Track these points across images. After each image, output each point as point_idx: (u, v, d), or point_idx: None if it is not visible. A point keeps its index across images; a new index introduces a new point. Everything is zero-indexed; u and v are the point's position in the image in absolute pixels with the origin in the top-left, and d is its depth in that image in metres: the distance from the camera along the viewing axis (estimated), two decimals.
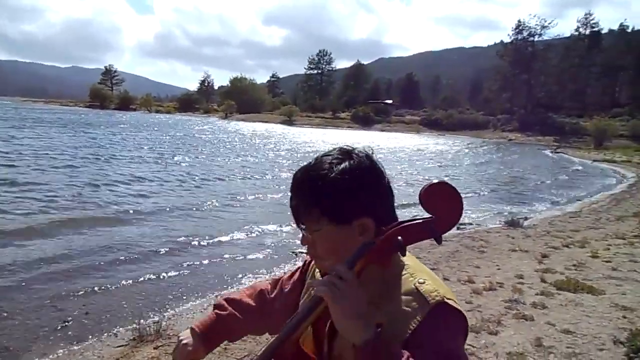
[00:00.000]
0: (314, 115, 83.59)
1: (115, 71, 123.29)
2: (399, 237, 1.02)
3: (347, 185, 1.05)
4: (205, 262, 6.15)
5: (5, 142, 18.44)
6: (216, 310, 1.35)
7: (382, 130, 69.34)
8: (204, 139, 30.38)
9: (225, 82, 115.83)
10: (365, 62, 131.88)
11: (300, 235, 1.16)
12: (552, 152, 41.53)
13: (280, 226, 8.38)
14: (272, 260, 6.43)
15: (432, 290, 1.03)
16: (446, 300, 1.03)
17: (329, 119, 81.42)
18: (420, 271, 1.12)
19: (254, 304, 1.38)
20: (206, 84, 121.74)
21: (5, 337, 3.83)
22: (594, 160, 31.67)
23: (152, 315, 4.32)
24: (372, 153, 1.16)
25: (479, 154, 35.24)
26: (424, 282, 1.06)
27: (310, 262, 1.38)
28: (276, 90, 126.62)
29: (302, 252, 6.76)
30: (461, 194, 1.04)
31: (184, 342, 1.29)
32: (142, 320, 4.01)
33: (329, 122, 78.31)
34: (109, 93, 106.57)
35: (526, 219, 9.65)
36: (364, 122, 76.42)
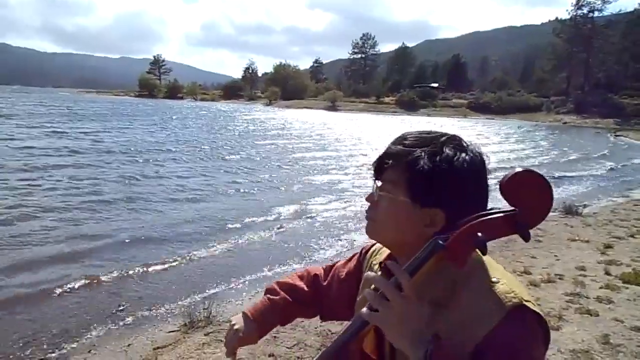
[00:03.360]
0: (358, 101, 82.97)
1: (163, 61, 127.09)
2: (479, 233, 0.89)
3: (446, 171, 0.96)
4: (253, 246, 6.20)
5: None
6: (268, 295, 1.32)
7: (428, 115, 67.88)
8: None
9: (269, 69, 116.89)
10: (410, 45, 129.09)
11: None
12: (612, 135, 39.20)
13: (329, 209, 8.34)
14: (319, 244, 6.38)
15: (508, 292, 0.91)
16: (524, 302, 0.90)
17: (373, 103, 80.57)
18: (493, 268, 0.99)
19: (307, 289, 1.33)
20: (250, 71, 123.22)
21: (64, 320, 3.98)
22: None
23: (202, 301, 4.37)
24: (485, 155, 1.04)
25: (530, 137, 33.77)
26: (498, 282, 0.94)
27: (367, 251, 1.30)
28: (319, 76, 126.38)
29: (347, 239, 6.69)
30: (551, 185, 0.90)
31: (236, 327, 1.26)
32: (192, 307, 4.07)
33: (372, 107, 77.50)
34: (157, 82, 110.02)
35: (585, 206, 9.12)
36: (409, 107, 75.06)
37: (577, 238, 6.50)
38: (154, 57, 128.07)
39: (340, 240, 6.72)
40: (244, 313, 1.28)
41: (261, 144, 20.05)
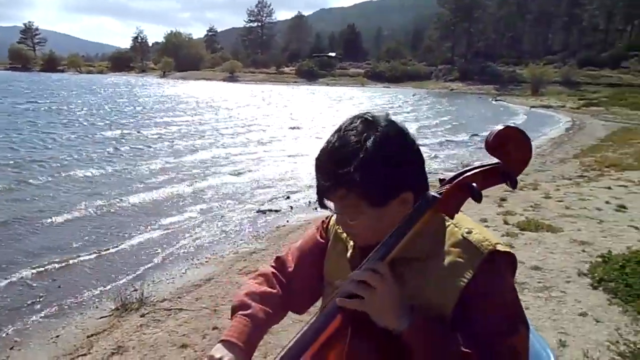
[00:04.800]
0: (258, 71, 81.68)
1: (36, 29, 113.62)
2: (474, 184, 1.01)
3: (382, 161, 0.97)
4: (178, 227, 5.98)
5: None
6: (242, 312, 1.15)
7: (327, 85, 68.88)
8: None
9: (160, 39, 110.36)
10: (305, 14, 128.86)
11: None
12: (492, 100, 42.95)
13: (248, 186, 8.30)
14: (243, 221, 6.34)
15: (482, 240, 1.02)
16: (497, 247, 1.03)
17: (273, 74, 79.87)
18: (464, 220, 1.10)
19: (275, 291, 1.23)
20: (139, 41, 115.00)
21: None
22: (532, 107, 33.18)
23: (130, 284, 4.20)
24: (389, 115, 1.07)
25: (423, 104, 35.90)
26: (471, 232, 1.04)
27: (329, 221, 1.31)
28: (215, 46, 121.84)
29: (270, 210, 6.74)
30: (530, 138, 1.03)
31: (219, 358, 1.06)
32: (121, 290, 3.89)
33: (273, 77, 76.84)
34: (31, 53, 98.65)
35: None
36: (309, 77, 75.68)
37: None
38: (25, 24, 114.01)
39: (264, 215, 6.74)
40: (225, 342, 1.09)
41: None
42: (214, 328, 3.29)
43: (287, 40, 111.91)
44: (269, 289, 1.22)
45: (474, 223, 1.09)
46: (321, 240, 1.30)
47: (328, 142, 1.03)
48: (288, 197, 7.51)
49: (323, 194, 1.03)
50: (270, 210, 6.69)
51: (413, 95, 46.92)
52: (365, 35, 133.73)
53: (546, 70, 53.95)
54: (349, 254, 1.19)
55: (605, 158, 10.77)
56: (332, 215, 1.30)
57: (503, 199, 6.76)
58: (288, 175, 9.28)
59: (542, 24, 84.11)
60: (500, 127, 1.03)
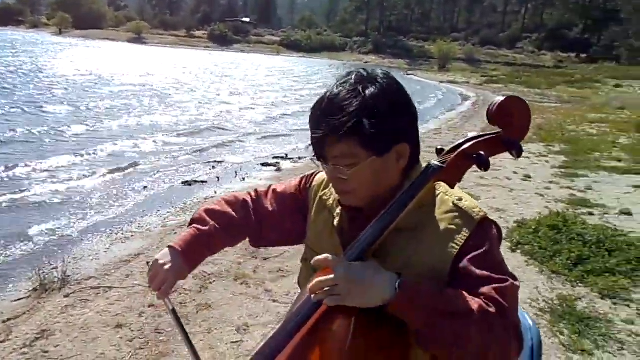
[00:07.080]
0: (167, 34, 76.87)
1: None
2: (481, 152, 1.02)
3: (384, 109, 0.99)
4: (96, 200, 5.53)
5: None
6: (196, 225, 1.20)
7: (242, 51, 66.85)
8: None
9: None
10: None
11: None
12: (403, 74, 44.41)
13: (171, 157, 7.88)
14: (168, 192, 6.03)
15: (473, 207, 1.06)
16: (486, 216, 1.07)
17: (184, 37, 75.64)
18: (453, 190, 1.13)
19: (236, 216, 1.25)
20: None
21: None
22: (441, 82, 34.88)
23: (49, 262, 3.83)
24: (387, 71, 1.09)
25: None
26: (461, 200, 1.08)
27: (311, 180, 1.30)
28: (118, 3, 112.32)
29: (196, 181, 6.47)
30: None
31: (163, 263, 1.12)
32: (38, 269, 3.53)
33: (184, 41, 72.78)
34: None
35: None
36: (222, 42, 72.73)
37: None
38: None
39: (190, 186, 6.45)
40: (170, 247, 1.15)
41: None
42: (150, 305, 3.12)
43: (198, 2, 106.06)
44: (232, 212, 1.25)
45: (462, 192, 1.12)
46: (299, 196, 1.30)
47: (324, 94, 1.03)
48: (213, 167, 7.25)
49: (320, 143, 1.02)
50: (196, 181, 6.42)
51: (329, 66, 47.17)
52: (280, 3, 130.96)
53: (452, 47, 56.72)
54: (335, 222, 1.17)
55: None
56: (315, 174, 1.31)
57: None
58: (212, 145, 8.94)
59: (449, 3, 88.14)
60: (501, 97, 1.05)
